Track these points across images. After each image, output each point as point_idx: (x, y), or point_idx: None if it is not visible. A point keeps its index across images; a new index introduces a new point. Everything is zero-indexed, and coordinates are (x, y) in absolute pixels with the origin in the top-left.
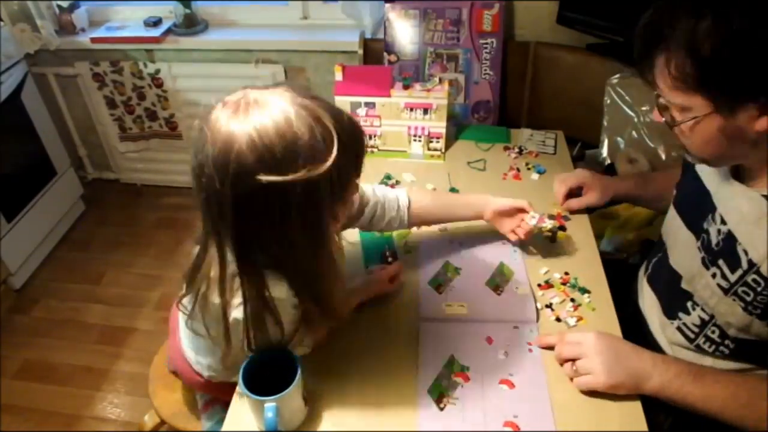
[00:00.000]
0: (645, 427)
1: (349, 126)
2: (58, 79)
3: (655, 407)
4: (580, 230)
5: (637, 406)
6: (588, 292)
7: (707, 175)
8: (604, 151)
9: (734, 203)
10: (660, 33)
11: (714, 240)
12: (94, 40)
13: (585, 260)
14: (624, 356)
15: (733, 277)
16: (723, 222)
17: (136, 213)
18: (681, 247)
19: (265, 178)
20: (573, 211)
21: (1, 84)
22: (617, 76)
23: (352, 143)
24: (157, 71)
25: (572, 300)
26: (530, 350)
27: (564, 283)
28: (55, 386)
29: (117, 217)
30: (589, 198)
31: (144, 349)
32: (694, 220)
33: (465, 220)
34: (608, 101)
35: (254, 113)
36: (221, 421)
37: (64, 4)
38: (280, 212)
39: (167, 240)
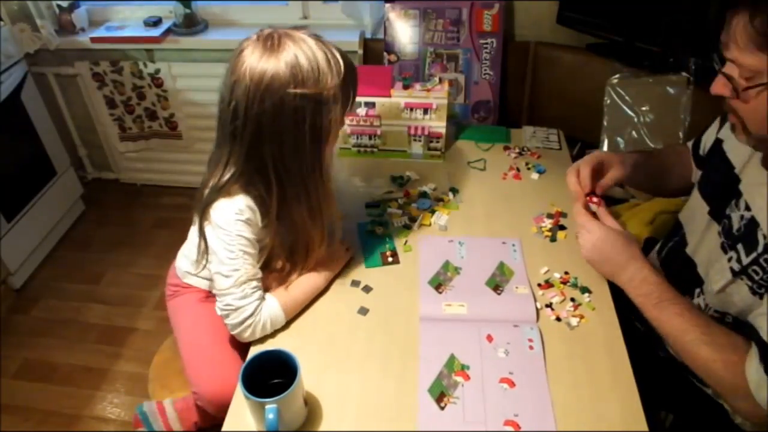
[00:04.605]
0: (645, 427)
1: (350, 64)
2: (58, 78)
3: (657, 404)
4: None
5: (637, 406)
6: (588, 291)
7: (736, 157)
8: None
9: (762, 190)
10: None
11: (735, 225)
12: (94, 39)
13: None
14: (615, 249)
15: (746, 260)
16: (747, 208)
17: (136, 213)
18: (700, 233)
19: (293, 90)
20: (604, 194)
21: (1, 84)
22: (617, 76)
23: (352, 77)
24: (157, 71)
25: (572, 299)
26: (531, 347)
27: (564, 283)
28: (55, 386)
29: (117, 217)
30: (615, 173)
31: (144, 349)
32: (717, 205)
33: None
34: (608, 101)
35: (286, 46)
36: None
37: (64, 4)
38: (296, 122)
39: (167, 240)
